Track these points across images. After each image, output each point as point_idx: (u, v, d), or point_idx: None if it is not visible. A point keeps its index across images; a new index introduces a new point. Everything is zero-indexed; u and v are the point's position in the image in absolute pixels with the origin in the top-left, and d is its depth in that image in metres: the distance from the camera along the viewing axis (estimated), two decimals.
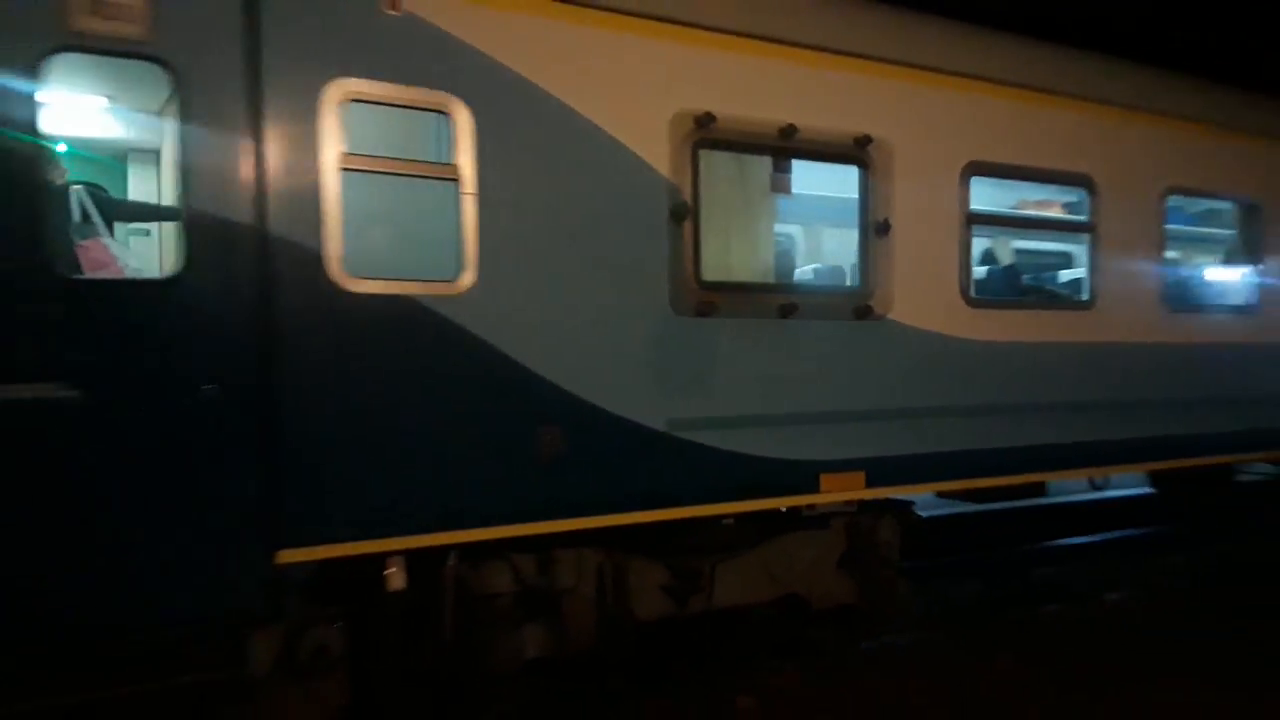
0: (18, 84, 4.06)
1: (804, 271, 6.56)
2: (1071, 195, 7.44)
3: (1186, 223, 8.99)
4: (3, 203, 4.04)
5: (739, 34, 5.85)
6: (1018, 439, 7.01)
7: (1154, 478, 10.12)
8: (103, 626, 4.26)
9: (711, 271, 5.82)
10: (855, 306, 6.30)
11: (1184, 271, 8.76)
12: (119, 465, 4.23)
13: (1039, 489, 7.82)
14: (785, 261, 6.51)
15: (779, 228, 6.50)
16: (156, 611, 4.33)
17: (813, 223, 6.45)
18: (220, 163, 4.44)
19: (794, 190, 6.17)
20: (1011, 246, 7.91)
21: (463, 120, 5.02)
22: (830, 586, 6.69)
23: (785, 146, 6.05)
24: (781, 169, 6.10)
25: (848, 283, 6.49)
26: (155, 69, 4.38)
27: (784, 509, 6.30)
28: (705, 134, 5.72)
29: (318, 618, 4.91)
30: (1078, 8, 12.90)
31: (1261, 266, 8.65)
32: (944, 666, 6.69)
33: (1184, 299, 8.33)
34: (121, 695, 4.44)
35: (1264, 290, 8.62)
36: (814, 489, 6.18)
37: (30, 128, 4.10)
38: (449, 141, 5.03)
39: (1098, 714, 5.91)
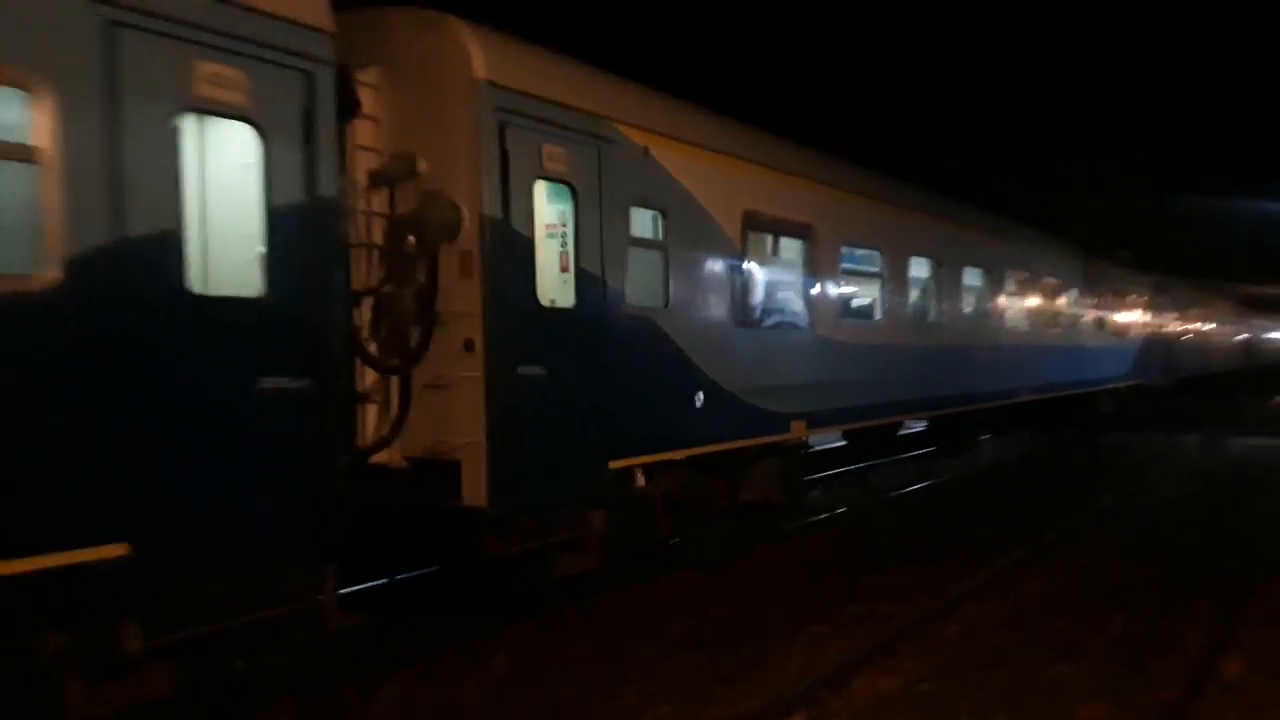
0: (525, 202, 7.28)
1: (784, 301, 10.87)
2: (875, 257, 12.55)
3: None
4: (523, 264, 7.24)
5: (765, 165, 10.12)
6: (864, 400, 11.93)
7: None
8: (550, 503, 7.54)
9: (751, 301, 9.99)
10: (805, 324, 10.82)
11: (920, 301, 14.24)
12: (560, 412, 7.54)
13: None
14: (777, 295, 10.78)
15: (771, 275, 10.80)
16: (572, 490, 7.69)
17: (784, 273, 10.81)
18: (589, 241, 7.87)
19: (780, 255, 10.55)
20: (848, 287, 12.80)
21: (665, 216, 8.77)
22: (778, 491, 11.08)
23: (779, 229, 10.41)
24: (776, 241, 10.44)
25: (800, 309, 10.93)
26: (566, 190, 7.74)
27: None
28: (751, 222, 9.91)
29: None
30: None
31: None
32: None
33: (919, 317, 13.84)
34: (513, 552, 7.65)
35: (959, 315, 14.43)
36: (787, 430, 10.56)
37: (529, 221, 7.32)
38: (661, 228, 8.76)
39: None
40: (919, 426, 17.50)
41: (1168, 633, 7.69)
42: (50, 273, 4.60)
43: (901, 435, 17.14)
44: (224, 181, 5.68)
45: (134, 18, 4.89)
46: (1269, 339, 54.21)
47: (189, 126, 5.25)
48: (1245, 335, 48.06)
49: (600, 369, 7.94)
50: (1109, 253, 24.80)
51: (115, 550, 4.82)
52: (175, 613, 5.19)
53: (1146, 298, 27.44)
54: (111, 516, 4.81)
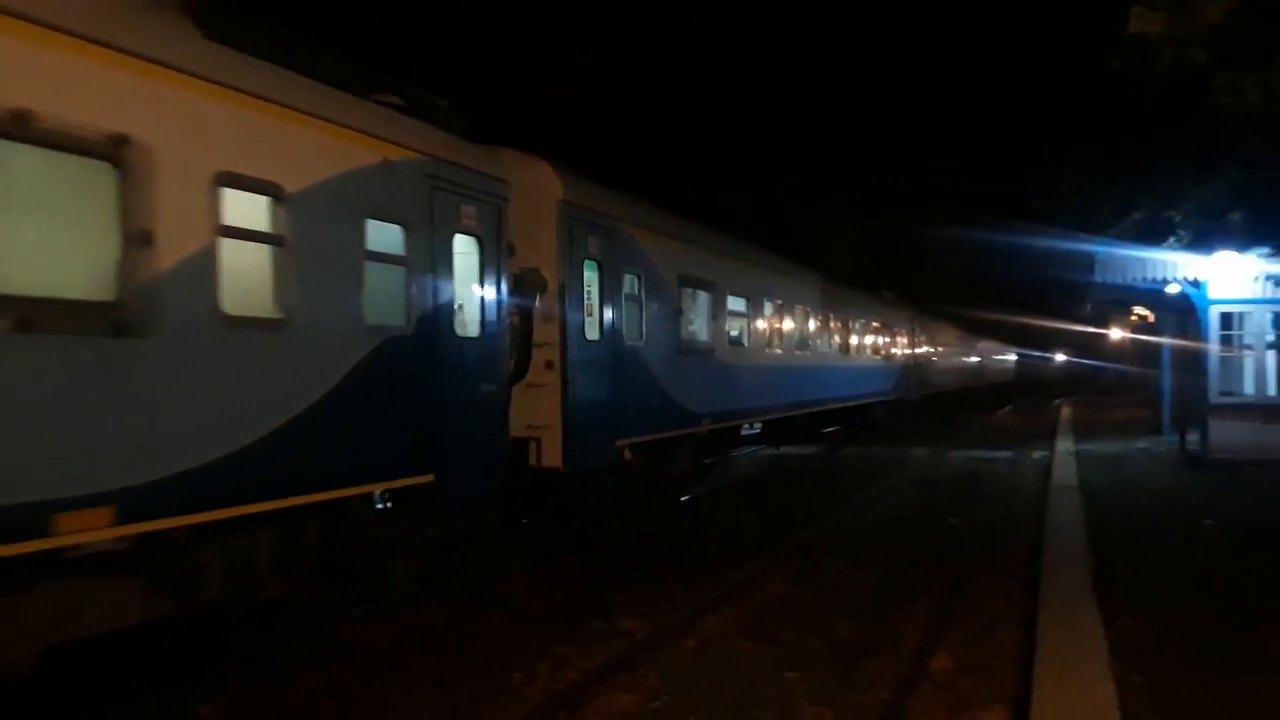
0: (579, 273, 11.44)
1: (700, 334, 15.32)
2: (744, 302, 17.36)
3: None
4: (579, 312, 11.38)
5: (690, 241, 14.69)
6: (742, 405, 16.67)
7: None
8: (591, 467, 11.68)
9: (683, 334, 14.50)
10: (709, 350, 15.44)
11: (767, 332, 19.16)
12: (594, 407, 11.70)
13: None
14: (697, 330, 15.25)
15: (695, 316, 15.28)
16: (600, 459, 11.86)
17: (701, 315, 15.36)
18: (606, 296, 12.10)
19: (698, 302, 15.15)
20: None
21: (640, 279, 13.12)
22: (690, 469, 15.56)
23: (698, 284, 14.99)
24: (696, 293, 15.03)
25: (708, 339, 15.48)
26: (596, 264, 11.95)
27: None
28: (684, 280, 14.42)
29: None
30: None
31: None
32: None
33: (768, 344, 18.76)
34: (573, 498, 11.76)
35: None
36: (700, 425, 15.09)
37: (581, 285, 11.49)
38: (640, 285, 13.10)
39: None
40: (757, 428, 22.53)
41: (888, 635, 8.21)
42: (410, 325, 8.47)
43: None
44: (460, 269, 9.53)
45: (441, 184, 8.84)
46: (996, 360, 64.04)
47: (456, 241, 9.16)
48: (978, 358, 57.02)
49: (611, 380, 12.17)
50: (877, 290, 31.10)
51: (429, 478, 8.69)
52: (446, 519, 9.07)
53: (906, 327, 34.08)
54: (429, 458, 8.68)
